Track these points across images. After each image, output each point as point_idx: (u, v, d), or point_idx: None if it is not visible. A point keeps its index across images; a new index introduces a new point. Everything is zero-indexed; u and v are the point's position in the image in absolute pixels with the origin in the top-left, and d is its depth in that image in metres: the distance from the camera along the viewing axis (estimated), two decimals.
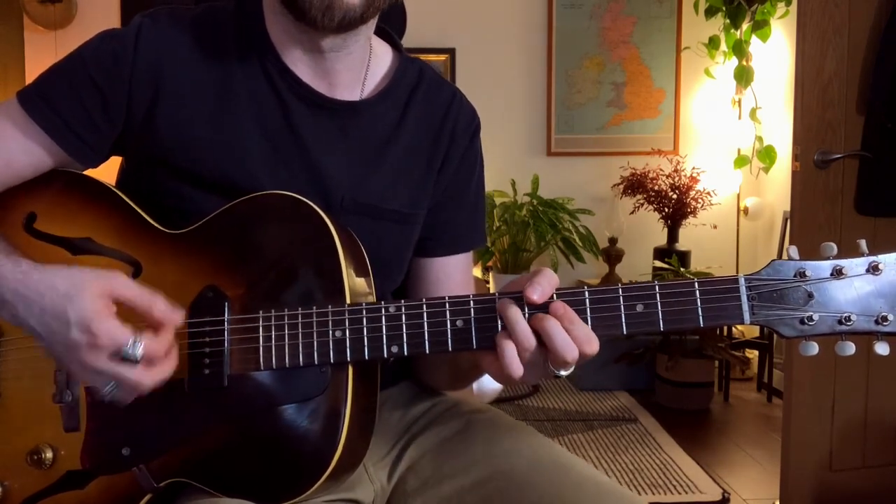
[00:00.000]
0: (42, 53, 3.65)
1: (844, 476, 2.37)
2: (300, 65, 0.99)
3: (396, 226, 1.04)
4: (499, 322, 0.84)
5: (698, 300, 0.82)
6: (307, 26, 0.93)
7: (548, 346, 0.81)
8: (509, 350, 0.82)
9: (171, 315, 0.84)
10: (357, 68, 1.02)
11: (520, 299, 0.83)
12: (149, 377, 0.82)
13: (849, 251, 0.82)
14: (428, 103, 1.07)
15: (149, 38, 0.96)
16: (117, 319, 0.81)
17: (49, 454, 0.91)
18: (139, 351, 0.80)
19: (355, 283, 0.90)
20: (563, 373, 0.83)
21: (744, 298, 0.82)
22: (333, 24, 0.91)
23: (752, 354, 3.81)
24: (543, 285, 0.83)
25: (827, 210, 2.27)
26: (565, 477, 0.95)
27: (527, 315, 0.82)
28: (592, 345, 0.82)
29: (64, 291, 0.82)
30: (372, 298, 0.94)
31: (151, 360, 0.82)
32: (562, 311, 0.82)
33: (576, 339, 0.81)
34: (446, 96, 1.09)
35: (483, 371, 0.89)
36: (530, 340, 0.81)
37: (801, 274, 0.81)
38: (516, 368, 0.82)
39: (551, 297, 0.83)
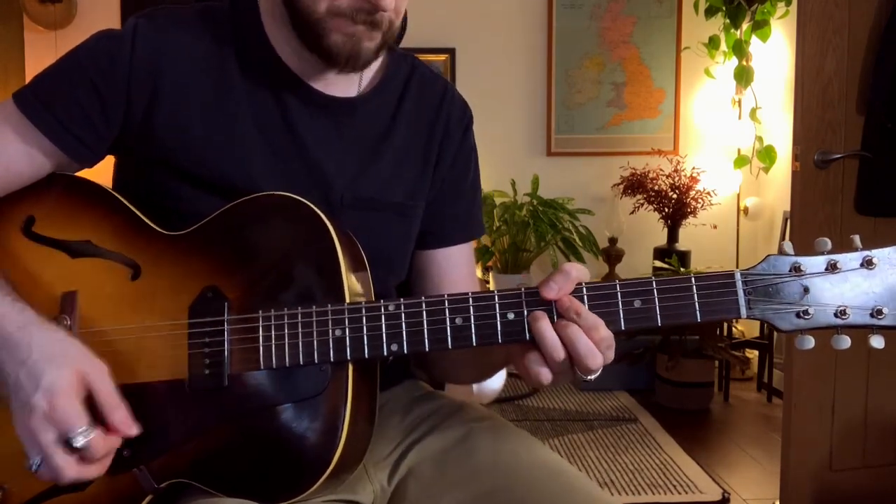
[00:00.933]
0: (42, 53, 3.64)
1: (844, 476, 2.37)
2: (297, 64, 0.99)
3: (396, 218, 1.05)
4: (498, 319, 0.84)
5: (695, 295, 0.83)
6: (327, 65, 0.96)
7: (572, 353, 0.82)
8: (535, 359, 0.84)
9: (130, 427, 0.84)
10: None
11: (535, 293, 0.84)
12: (73, 471, 0.82)
13: (847, 248, 0.82)
14: (421, 97, 1.08)
15: (145, 38, 0.96)
16: (80, 404, 0.82)
17: None
18: (81, 442, 0.80)
19: (354, 283, 0.90)
20: (590, 377, 0.84)
21: (740, 293, 0.82)
22: (357, 69, 0.96)
23: (752, 354, 3.81)
24: (560, 282, 0.84)
25: (827, 210, 2.27)
26: (570, 495, 0.94)
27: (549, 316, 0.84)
28: (600, 330, 0.82)
29: (50, 355, 0.82)
30: (371, 298, 0.94)
31: (87, 458, 0.82)
32: (567, 304, 0.83)
33: (584, 328, 0.82)
34: (438, 90, 1.10)
35: (513, 367, 0.91)
36: (559, 352, 0.82)
37: (797, 269, 0.82)
38: (545, 376, 0.84)
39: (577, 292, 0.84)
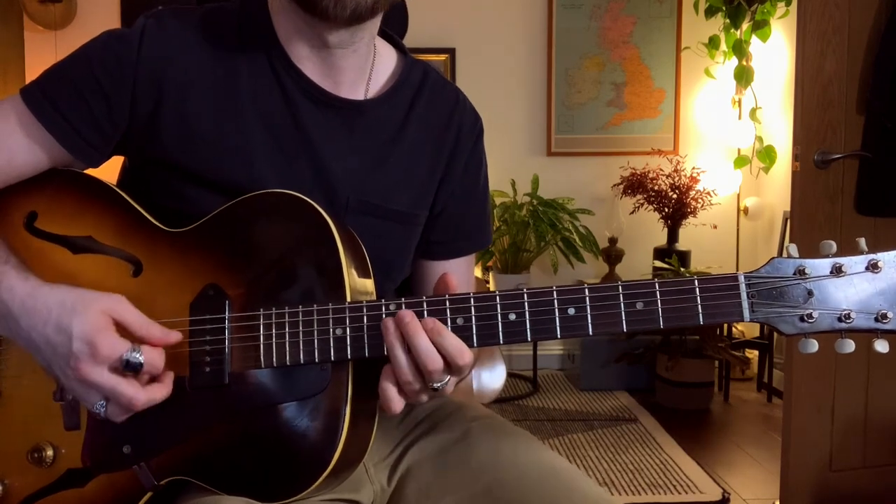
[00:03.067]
0: (42, 53, 3.64)
1: (844, 476, 2.37)
2: (306, 62, 0.99)
3: (399, 226, 1.04)
4: (499, 320, 0.84)
5: (698, 298, 0.82)
6: (317, 18, 0.93)
7: (414, 355, 0.83)
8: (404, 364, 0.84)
9: (168, 335, 0.86)
10: (362, 67, 1.02)
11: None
12: (143, 394, 0.84)
13: (849, 251, 0.82)
14: (432, 105, 1.07)
15: (152, 39, 0.96)
16: (117, 334, 0.84)
17: (50, 452, 0.91)
18: (141, 357, 0.83)
19: (356, 282, 0.90)
20: (436, 385, 0.84)
21: (743, 296, 0.82)
22: (346, 14, 0.91)
23: (752, 354, 3.81)
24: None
25: (827, 210, 2.27)
26: (569, 495, 0.94)
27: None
28: (464, 356, 0.83)
29: (71, 306, 0.84)
30: (372, 297, 0.94)
31: (148, 377, 0.85)
32: (431, 325, 0.83)
33: (444, 351, 0.82)
34: (450, 98, 1.09)
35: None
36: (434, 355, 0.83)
37: (801, 272, 0.81)
38: (415, 379, 0.84)
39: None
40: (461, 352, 0.83)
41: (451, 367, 0.83)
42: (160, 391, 0.86)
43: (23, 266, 0.90)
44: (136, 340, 0.85)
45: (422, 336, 0.82)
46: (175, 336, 0.87)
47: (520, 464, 0.98)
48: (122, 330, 0.85)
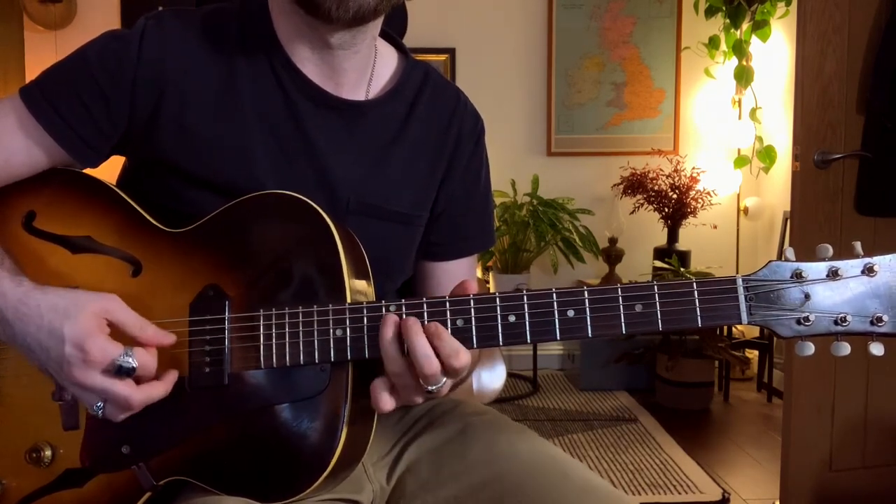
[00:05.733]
0: (42, 53, 3.64)
1: (844, 476, 2.37)
2: (307, 63, 0.99)
3: (400, 227, 1.04)
4: (499, 321, 0.84)
5: (696, 300, 0.83)
6: (320, 20, 0.92)
7: (410, 356, 0.83)
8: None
9: (163, 337, 0.86)
10: (363, 68, 1.02)
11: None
12: (139, 394, 0.84)
13: (847, 252, 0.82)
14: (433, 106, 1.07)
15: (152, 40, 0.96)
16: (109, 337, 0.84)
17: (48, 452, 0.91)
18: (132, 362, 0.82)
19: (356, 283, 0.90)
20: (431, 388, 0.84)
21: (741, 299, 0.82)
22: (348, 16, 0.90)
23: (752, 354, 3.81)
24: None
25: (827, 210, 2.27)
26: (565, 482, 0.95)
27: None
28: (459, 359, 0.82)
29: (63, 310, 0.84)
30: (372, 298, 0.94)
31: (142, 378, 0.84)
32: (433, 329, 0.83)
33: (440, 351, 0.82)
34: (451, 99, 1.09)
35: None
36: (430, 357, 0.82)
37: (798, 275, 0.82)
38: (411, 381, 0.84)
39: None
40: (456, 353, 0.82)
41: (446, 368, 0.83)
42: (158, 389, 0.85)
43: (16, 269, 0.90)
44: (130, 342, 0.85)
45: (420, 338, 0.82)
46: (170, 338, 0.87)
47: (517, 454, 0.99)
48: (117, 331, 0.85)
